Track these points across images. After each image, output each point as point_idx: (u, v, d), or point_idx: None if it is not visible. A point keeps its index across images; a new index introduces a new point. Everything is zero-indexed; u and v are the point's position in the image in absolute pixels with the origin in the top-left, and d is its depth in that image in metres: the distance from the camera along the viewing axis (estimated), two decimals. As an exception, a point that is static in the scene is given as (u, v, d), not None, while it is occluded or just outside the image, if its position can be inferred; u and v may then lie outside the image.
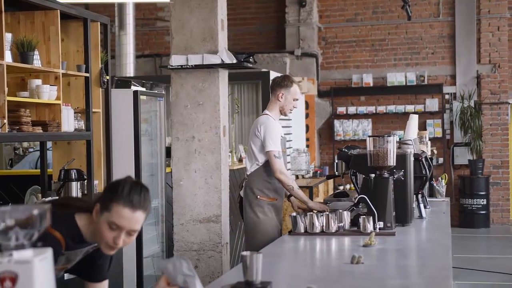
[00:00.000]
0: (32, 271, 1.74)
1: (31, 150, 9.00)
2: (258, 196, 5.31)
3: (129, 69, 11.08)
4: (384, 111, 13.04)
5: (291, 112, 5.54)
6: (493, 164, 12.89)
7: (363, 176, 4.63)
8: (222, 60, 5.84)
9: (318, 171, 11.25)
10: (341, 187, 12.25)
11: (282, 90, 5.39)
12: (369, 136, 4.55)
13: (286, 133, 10.51)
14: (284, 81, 5.42)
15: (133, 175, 6.50)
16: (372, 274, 3.19)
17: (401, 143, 5.20)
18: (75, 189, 5.55)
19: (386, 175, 4.49)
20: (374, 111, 13.08)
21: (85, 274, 2.95)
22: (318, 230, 4.31)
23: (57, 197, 5.09)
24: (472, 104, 12.64)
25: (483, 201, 12.52)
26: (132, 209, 2.61)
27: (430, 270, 3.24)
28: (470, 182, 12.58)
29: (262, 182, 5.31)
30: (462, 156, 12.86)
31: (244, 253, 2.78)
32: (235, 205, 7.40)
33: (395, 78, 13.03)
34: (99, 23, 6.02)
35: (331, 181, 11.58)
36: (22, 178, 6.58)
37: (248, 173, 5.40)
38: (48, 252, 1.81)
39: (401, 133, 9.06)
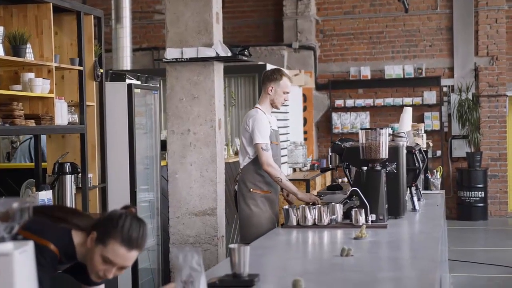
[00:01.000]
0: (12, 264, 1.74)
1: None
2: (251, 189, 5.34)
3: (126, 63, 11.07)
4: (382, 104, 13.03)
5: (283, 105, 5.56)
6: (491, 156, 12.89)
7: (356, 168, 4.63)
8: (217, 53, 5.83)
9: (316, 164, 11.25)
10: (339, 180, 12.26)
11: (271, 83, 5.42)
12: (361, 129, 4.56)
13: (284, 126, 10.55)
14: (274, 75, 5.44)
15: (127, 169, 6.56)
16: (360, 266, 3.19)
17: (395, 135, 5.20)
18: (69, 183, 5.54)
19: (378, 167, 4.49)
20: (372, 104, 13.07)
21: (80, 276, 2.93)
22: (310, 223, 4.32)
23: (54, 205, 5.03)
24: (470, 97, 12.63)
25: (481, 194, 12.53)
26: (128, 249, 2.64)
27: (418, 262, 3.25)
28: (468, 174, 12.59)
29: (254, 175, 5.34)
30: (460, 149, 12.86)
31: (232, 245, 2.79)
32: (230, 199, 7.41)
33: (393, 70, 13.03)
34: (92, 16, 6.01)
35: (328, 174, 11.59)
36: (19, 172, 6.58)
37: (241, 167, 5.45)
38: (29, 245, 1.82)
39: (398, 126, 9.04)
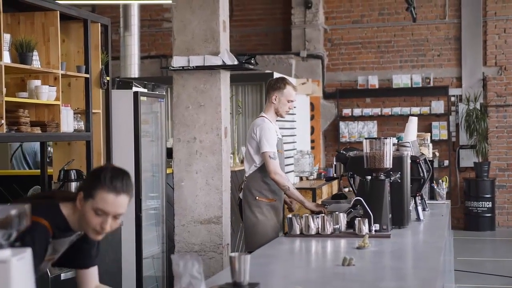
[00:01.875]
0: (9, 271, 1.75)
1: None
2: (257, 198, 5.36)
3: (134, 70, 11.10)
4: (390, 113, 13.02)
5: (288, 113, 5.59)
6: (499, 166, 12.85)
7: (360, 178, 4.62)
8: (223, 61, 5.84)
9: (323, 173, 11.24)
10: (346, 189, 12.23)
11: (275, 92, 5.46)
12: (366, 138, 4.56)
13: (291, 134, 10.54)
14: (278, 83, 5.48)
15: (133, 176, 6.55)
16: (361, 276, 3.19)
17: (399, 145, 5.19)
18: (74, 190, 5.56)
19: (382, 177, 4.48)
20: (379, 113, 13.06)
21: (72, 262, 3.00)
22: (313, 232, 4.31)
23: (39, 193, 5.13)
24: (478, 107, 12.61)
25: (488, 204, 12.48)
26: (115, 194, 2.71)
27: (420, 272, 3.24)
28: (475, 184, 12.55)
29: (260, 184, 5.36)
30: (468, 159, 12.83)
31: (232, 254, 2.79)
32: (236, 207, 7.41)
33: (401, 80, 13.02)
34: (99, 24, 6.04)
35: (335, 183, 11.57)
36: (25, 178, 6.61)
37: (246, 175, 5.47)
38: (27, 252, 1.83)
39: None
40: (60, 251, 2.88)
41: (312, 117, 12.66)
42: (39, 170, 5.98)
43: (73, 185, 5.56)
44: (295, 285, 2.73)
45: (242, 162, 8.41)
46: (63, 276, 4.54)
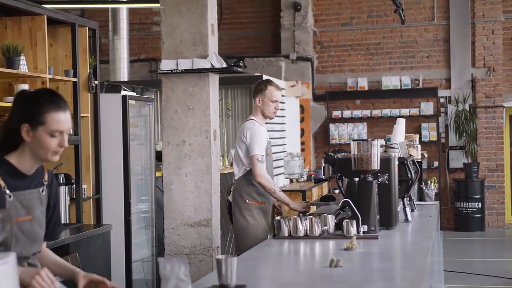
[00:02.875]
0: (-7, 275, 1.76)
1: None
2: (247, 201, 5.38)
3: (123, 74, 11.10)
4: (379, 115, 13.06)
5: (275, 113, 5.60)
6: (488, 167, 12.90)
7: (348, 179, 4.64)
8: (212, 64, 5.85)
9: (313, 175, 11.25)
10: (337, 191, 12.25)
11: (258, 95, 5.55)
12: (353, 140, 4.57)
13: (280, 136, 10.56)
14: (259, 86, 5.58)
15: (122, 180, 6.56)
16: (348, 277, 3.20)
17: (387, 147, 5.21)
18: (63, 194, 5.56)
19: (370, 178, 4.49)
20: (369, 115, 13.10)
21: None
22: (302, 233, 4.32)
23: None
24: (467, 108, 12.66)
25: (478, 205, 12.53)
26: (63, 111, 2.78)
27: (406, 273, 3.26)
28: (465, 185, 12.59)
29: (250, 187, 5.38)
30: (457, 160, 12.88)
31: (219, 256, 2.80)
32: (225, 209, 7.42)
33: (390, 81, 13.06)
34: (87, 28, 6.04)
35: (325, 185, 11.59)
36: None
37: (235, 178, 5.50)
38: (11, 257, 1.83)
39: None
40: (34, 208, 2.83)
41: (302, 119, 12.69)
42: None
43: (62, 189, 5.55)
44: (285, 287, 2.74)
45: (231, 164, 8.41)
46: (58, 278, 4.52)
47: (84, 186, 5.86)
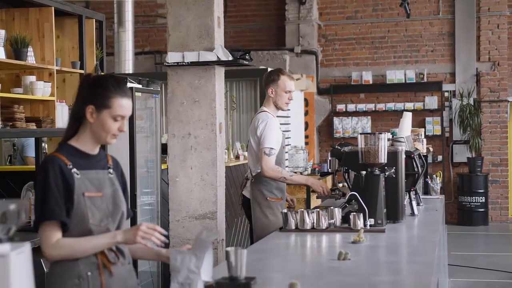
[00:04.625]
0: (8, 265, 1.76)
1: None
2: (268, 198, 5.27)
3: (128, 66, 11.08)
4: (384, 109, 13.05)
5: (287, 105, 5.46)
6: (492, 162, 12.90)
7: (355, 173, 4.64)
8: (218, 57, 5.85)
9: (317, 168, 11.25)
10: (340, 185, 12.25)
11: (270, 85, 5.39)
12: (361, 133, 4.57)
13: (285, 130, 10.55)
14: (271, 76, 5.41)
15: (127, 172, 6.56)
16: (357, 270, 3.21)
17: (394, 140, 5.21)
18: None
19: (377, 172, 4.49)
20: (373, 109, 13.09)
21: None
22: (308, 226, 4.32)
23: None
24: (471, 102, 12.65)
25: (481, 199, 12.53)
26: (128, 98, 2.90)
27: (414, 267, 3.26)
28: (469, 179, 12.59)
29: (270, 183, 5.28)
30: (461, 154, 12.88)
31: (228, 248, 2.81)
32: (231, 203, 7.42)
33: (395, 75, 13.05)
34: (94, 20, 6.04)
35: (330, 178, 11.59)
36: (20, 174, 6.60)
37: (253, 174, 5.33)
38: (26, 246, 1.84)
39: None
40: (104, 187, 2.93)
41: (306, 113, 12.68)
42: (34, 166, 5.98)
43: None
44: (291, 280, 2.74)
45: (236, 157, 8.43)
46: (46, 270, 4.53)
47: (90, 178, 5.86)
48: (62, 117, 5.41)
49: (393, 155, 4.64)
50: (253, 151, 5.33)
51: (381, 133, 4.52)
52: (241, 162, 8.08)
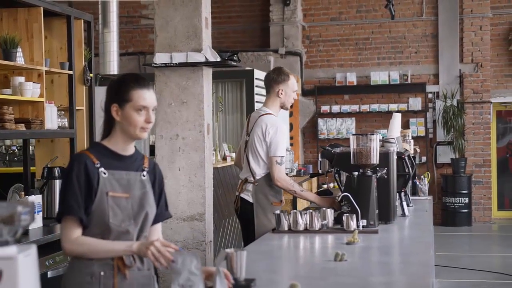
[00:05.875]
0: (16, 267, 1.74)
1: (13, 148, 8.96)
2: (273, 203, 5.11)
3: (113, 67, 11.03)
4: (368, 110, 13.09)
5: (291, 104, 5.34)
6: (475, 162, 12.98)
7: (347, 174, 4.64)
8: (206, 58, 5.84)
9: (302, 170, 11.28)
10: (325, 186, 12.28)
11: (280, 85, 5.16)
12: (353, 134, 4.57)
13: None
14: (281, 76, 5.17)
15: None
16: (355, 271, 3.21)
17: (384, 141, 5.22)
18: (58, 187, 5.51)
19: (369, 173, 4.50)
20: (357, 110, 13.13)
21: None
22: (301, 228, 4.32)
23: None
24: (455, 103, 12.73)
25: (465, 200, 12.61)
26: (147, 89, 2.95)
27: (412, 267, 3.27)
28: (452, 180, 12.67)
29: (274, 187, 5.10)
30: (445, 155, 12.95)
31: (228, 250, 2.79)
32: (219, 204, 7.40)
33: (379, 77, 13.09)
34: (82, 20, 6.00)
35: (314, 180, 11.62)
36: (7, 176, 6.55)
37: (256, 177, 5.12)
38: (32, 249, 1.81)
39: (384, 132, 9.10)
40: (132, 189, 2.96)
41: (290, 114, 12.69)
42: (21, 168, 5.93)
43: (57, 183, 5.51)
44: (291, 281, 2.73)
45: (224, 159, 8.41)
46: (49, 274, 4.51)
47: (79, 180, 5.81)
48: (51, 118, 5.37)
49: (385, 156, 4.65)
50: (258, 155, 5.09)
51: (373, 134, 4.53)
52: (229, 164, 8.06)
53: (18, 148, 8.86)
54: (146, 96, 2.93)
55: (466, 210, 12.65)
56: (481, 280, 8.38)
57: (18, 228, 1.79)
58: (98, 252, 2.87)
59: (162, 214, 3.13)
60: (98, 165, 2.90)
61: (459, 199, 12.60)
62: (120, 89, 2.94)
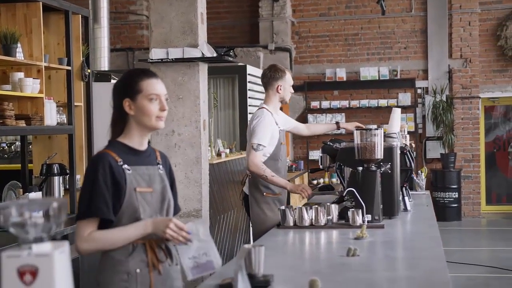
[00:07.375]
0: (52, 264, 1.72)
1: (3, 145, 8.87)
2: (264, 193, 5.25)
3: (104, 63, 10.95)
4: (358, 106, 13.10)
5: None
6: (465, 157, 13.04)
7: (350, 169, 4.63)
8: (202, 53, 5.81)
9: (294, 165, 11.28)
10: (315, 182, 12.30)
11: (279, 82, 5.38)
12: (357, 129, 4.56)
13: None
14: (278, 73, 5.39)
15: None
16: (369, 266, 3.20)
17: (386, 136, 5.21)
18: (57, 184, 5.47)
19: (373, 168, 4.49)
20: (347, 106, 13.14)
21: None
22: (307, 223, 4.31)
23: None
24: (444, 99, 12.77)
25: (454, 195, 12.66)
26: (155, 78, 2.97)
27: (426, 262, 3.26)
28: (442, 175, 12.72)
29: None
30: (434, 150, 12.99)
31: (247, 246, 2.77)
32: (214, 200, 7.38)
33: (368, 72, 13.11)
34: (80, 15, 5.95)
35: (305, 175, 11.62)
36: (4, 173, 6.48)
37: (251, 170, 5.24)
38: (66, 246, 1.79)
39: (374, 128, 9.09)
40: (154, 182, 2.94)
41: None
42: (19, 165, 5.87)
43: (56, 179, 5.47)
44: (308, 276, 2.72)
45: (218, 155, 8.39)
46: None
47: (77, 176, 5.78)
48: (50, 114, 5.32)
49: (388, 151, 4.65)
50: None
51: (377, 129, 4.52)
52: (223, 160, 8.04)
53: (8, 145, 8.78)
54: (155, 84, 2.94)
55: (456, 205, 12.70)
56: (472, 274, 8.42)
57: (52, 224, 1.77)
58: (113, 243, 2.84)
59: (176, 207, 3.12)
60: (121, 163, 2.88)
61: (448, 194, 12.65)
62: (129, 83, 2.94)
